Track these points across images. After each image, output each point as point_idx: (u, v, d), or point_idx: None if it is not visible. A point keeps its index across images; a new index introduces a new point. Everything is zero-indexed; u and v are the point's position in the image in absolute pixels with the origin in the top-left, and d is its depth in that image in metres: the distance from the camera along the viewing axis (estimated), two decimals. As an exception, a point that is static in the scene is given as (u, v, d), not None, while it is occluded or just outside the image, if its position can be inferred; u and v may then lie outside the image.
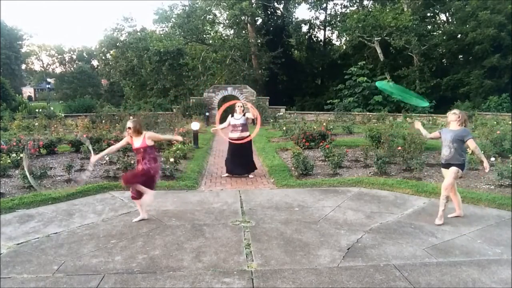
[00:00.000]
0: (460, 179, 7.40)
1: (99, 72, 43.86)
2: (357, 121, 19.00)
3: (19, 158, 8.35)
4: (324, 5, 32.38)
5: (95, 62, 59.46)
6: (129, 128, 5.26)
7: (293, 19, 33.45)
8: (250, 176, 8.06)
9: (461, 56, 27.31)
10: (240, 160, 7.91)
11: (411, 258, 4.22)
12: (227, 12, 28.24)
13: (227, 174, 8.11)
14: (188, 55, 30.73)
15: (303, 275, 3.85)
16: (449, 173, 5.13)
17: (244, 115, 7.87)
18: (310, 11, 33.90)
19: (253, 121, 8.05)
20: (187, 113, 20.44)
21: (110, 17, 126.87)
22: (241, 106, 7.89)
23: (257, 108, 21.60)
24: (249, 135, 7.93)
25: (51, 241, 4.72)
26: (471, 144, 5.09)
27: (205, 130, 16.26)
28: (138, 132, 5.28)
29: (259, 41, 29.52)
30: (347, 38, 30.17)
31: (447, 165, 5.21)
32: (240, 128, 7.84)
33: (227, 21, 30.17)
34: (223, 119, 8.49)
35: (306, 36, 34.87)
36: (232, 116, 7.94)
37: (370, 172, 8.09)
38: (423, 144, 8.92)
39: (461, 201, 5.56)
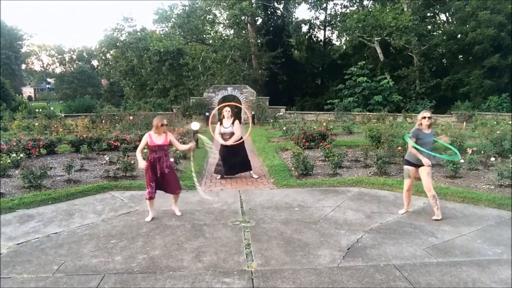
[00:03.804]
0: (459, 178, 7.42)
1: (99, 72, 43.91)
2: (357, 121, 19.00)
3: (19, 158, 8.35)
4: (324, 5, 32.35)
5: (95, 62, 59.52)
6: (166, 124, 5.47)
7: (293, 19, 33.42)
8: (255, 176, 8.03)
9: (461, 56, 27.30)
10: (234, 160, 7.78)
11: (411, 258, 4.22)
12: (227, 12, 28.21)
13: (219, 177, 8.02)
14: (188, 55, 30.72)
15: (303, 275, 3.85)
16: (425, 173, 5.30)
17: (233, 122, 7.67)
18: (310, 11, 33.90)
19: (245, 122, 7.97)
20: (187, 113, 20.44)
21: (110, 17, 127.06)
22: (229, 111, 7.67)
23: (257, 108, 21.49)
24: (241, 138, 7.76)
25: (51, 241, 4.72)
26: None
27: (205, 130, 16.25)
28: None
29: (259, 41, 29.50)
30: (347, 38, 30.18)
31: (418, 165, 5.36)
32: (228, 137, 7.68)
33: (227, 21, 30.15)
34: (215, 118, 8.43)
35: (306, 36, 34.85)
36: (221, 124, 7.71)
37: (370, 172, 8.09)
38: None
39: (461, 201, 5.57)
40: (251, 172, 8.10)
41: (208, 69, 30.56)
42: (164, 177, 5.47)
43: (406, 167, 5.52)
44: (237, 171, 8.02)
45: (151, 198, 5.44)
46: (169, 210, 5.85)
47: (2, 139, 10.07)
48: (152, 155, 5.39)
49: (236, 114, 7.95)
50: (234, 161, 7.80)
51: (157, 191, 5.51)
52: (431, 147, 5.33)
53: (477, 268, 4.01)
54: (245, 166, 8.02)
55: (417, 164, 5.34)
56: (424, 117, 5.29)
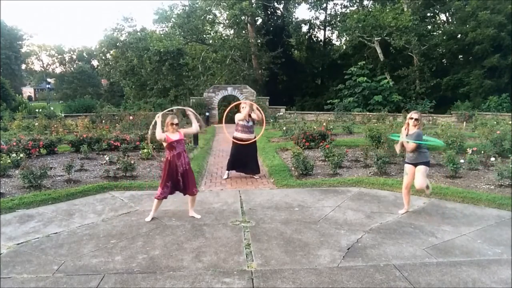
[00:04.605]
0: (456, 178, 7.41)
1: (99, 72, 43.93)
2: (357, 121, 18.99)
3: (19, 158, 8.35)
4: (324, 5, 32.36)
5: (95, 62, 59.54)
6: (177, 124, 5.43)
7: (293, 19, 33.41)
8: (256, 176, 7.99)
9: (461, 56, 27.31)
10: (245, 160, 7.79)
11: (411, 258, 4.23)
12: (227, 12, 28.22)
13: (226, 175, 8.02)
14: (188, 55, 30.71)
15: (303, 275, 3.85)
16: (420, 172, 5.40)
17: (250, 116, 7.69)
18: (310, 11, 33.92)
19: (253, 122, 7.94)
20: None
21: (110, 17, 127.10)
22: (244, 107, 7.70)
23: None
24: (255, 137, 7.80)
25: (51, 241, 4.72)
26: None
27: (205, 130, 16.27)
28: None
29: (259, 41, 29.50)
30: (347, 38, 30.16)
31: (415, 164, 5.49)
32: (248, 129, 7.71)
33: (227, 21, 30.15)
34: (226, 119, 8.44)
35: (306, 36, 34.85)
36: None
37: (370, 172, 8.09)
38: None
39: (461, 201, 5.63)
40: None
41: (208, 69, 30.57)
42: (184, 175, 5.39)
43: (405, 165, 5.68)
44: (243, 170, 7.98)
45: (164, 198, 5.40)
46: (169, 210, 5.85)
47: (2, 139, 10.06)
48: (172, 152, 5.31)
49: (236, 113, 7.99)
50: (243, 161, 7.77)
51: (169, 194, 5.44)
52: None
53: (477, 268, 4.01)
54: (252, 168, 7.93)
55: (414, 163, 5.46)
56: (411, 118, 5.51)
